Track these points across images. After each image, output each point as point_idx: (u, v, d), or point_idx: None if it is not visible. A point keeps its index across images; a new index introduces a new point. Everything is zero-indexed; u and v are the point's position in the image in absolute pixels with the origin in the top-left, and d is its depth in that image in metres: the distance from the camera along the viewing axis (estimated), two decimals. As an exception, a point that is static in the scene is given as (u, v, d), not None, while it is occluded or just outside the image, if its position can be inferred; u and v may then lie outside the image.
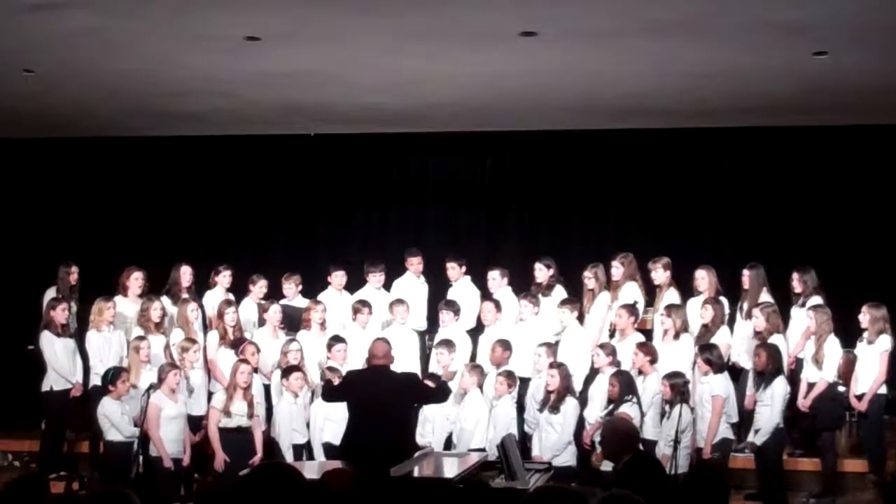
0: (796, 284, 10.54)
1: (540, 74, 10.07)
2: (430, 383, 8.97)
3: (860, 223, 12.27)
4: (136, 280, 11.00)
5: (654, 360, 9.72)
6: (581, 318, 10.62)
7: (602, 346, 10.03)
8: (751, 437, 9.66)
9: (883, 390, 9.85)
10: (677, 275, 10.82)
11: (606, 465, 8.43)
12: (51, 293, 11.08)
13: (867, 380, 9.83)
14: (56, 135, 13.04)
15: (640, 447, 7.52)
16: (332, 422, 9.66)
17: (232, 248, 13.13)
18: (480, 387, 9.98)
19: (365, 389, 8.56)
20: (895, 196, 12.17)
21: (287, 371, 9.97)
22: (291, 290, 11.43)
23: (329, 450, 9.69)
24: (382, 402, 8.33)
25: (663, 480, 7.05)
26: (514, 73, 10.03)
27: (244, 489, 4.04)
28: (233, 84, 10.54)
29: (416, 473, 7.99)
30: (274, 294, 11.41)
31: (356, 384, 8.75)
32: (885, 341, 9.79)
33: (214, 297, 11.20)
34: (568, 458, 9.49)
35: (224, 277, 11.34)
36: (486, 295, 11.12)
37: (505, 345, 10.23)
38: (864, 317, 9.89)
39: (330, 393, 8.94)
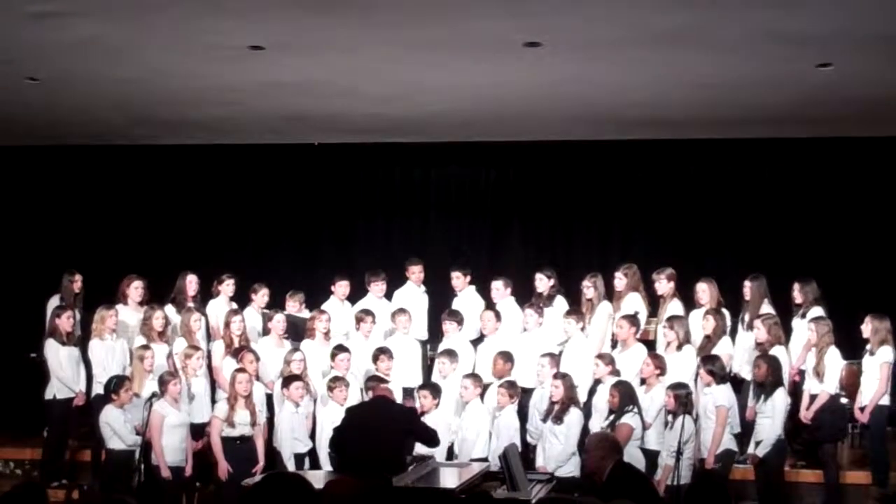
0: (797, 295, 10.53)
1: (543, 85, 10.09)
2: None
3: (862, 235, 12.27)
4: (136, 289, 10.98)
5: (662, 373, 9.73)
6: (583, 328, 10.61)
7: (601, 357, 10.02)
8: (752, 449, 9.64)
9: (886, 401, 9.83)
10: (680, 286, 10.82)
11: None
12: (54, 301, 11.07)
13: (870, 391, 9.81)
14: (60, 143, 13.05)
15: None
16: (338, 430, 9.67)
17: (235, 256, 13.12)
18: (481, 397, 9.98)
19: (365, 414, 8.72)
20: (897, 208, 12.20)
21: (287, 380, 9.97)
22: (296, 307, 11.44)
23: (334, 458, 9.67)
24: (381, 425, 8.39)
25: (649, 487, 7.12)
26: (517, 84, 10.04)
27: (253, 498, 4.04)
28: (236, 93, 10.55)
29: (418, 483, 7.99)
30: (276, 303, 11.41)
31: (357, 413, 8.90)
32: (885, 352, 9.77)
33: (218, 306, 11.21)
34: (572, 468, 9.47)
35: (227, 286, 11.34)
36: (489, 305, 11.12)
37: (506, 357, 10.22)
38: (867, 327, 9.88)
39: (337, 439, 8.85)
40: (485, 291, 11.37)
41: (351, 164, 13.51)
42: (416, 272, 11.68)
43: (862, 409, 9.84)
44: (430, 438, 8.79)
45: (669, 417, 9.36)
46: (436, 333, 11.33)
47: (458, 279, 11.45)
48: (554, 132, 12.25)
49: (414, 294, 11.65)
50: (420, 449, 9.02)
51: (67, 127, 12.21)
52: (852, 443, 10.65)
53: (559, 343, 10.56)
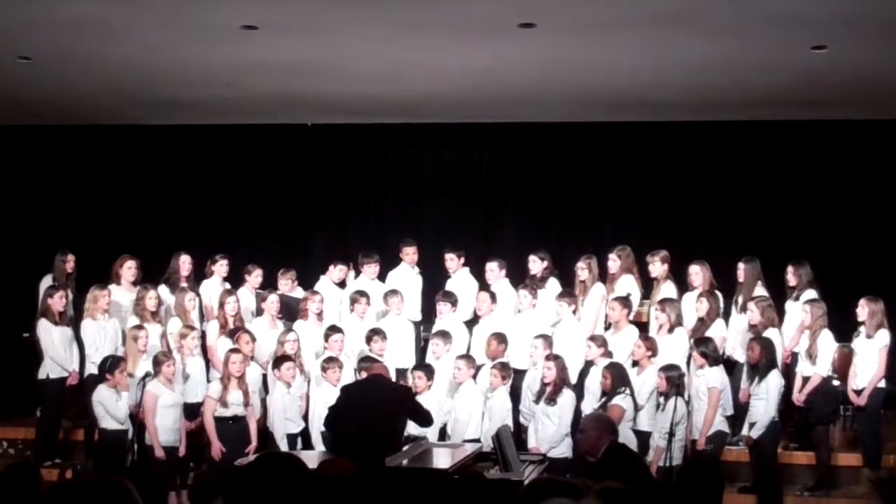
0: (791, 278, 10.54)
1: (538, 66, 10.07)
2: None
3: (856, 217, 12.28)
4: (128, 269, 10.98)
5: (653, 354, 9.75)
6: (576, 310, 10.61)
7: (593, 338, 10.03)
8: (746, 431, 9.67)
9: (881, 384, 9.85)
10: (674, 268, 10.82)
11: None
12: (47, 281, 11.05)
13: (866, 374, 9.82)
14: (53, 122, 13.01)
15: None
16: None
17: (228, 237, 13.11)
18: (474, 378, 10.00)
19: (362, 393, 8.69)
20: (891, 191, 12.19)
21: (278, 361, 9.98)
22: (287, 285, 11.44)
23: (327, 438, 9.70)
24: (377, 403, 8.41)
25: (643, 468, 7.16)
26: (512, 65, 10.02)
27: (248, 478, 4.04)
28: (230, 73, 10.52)
29: (411, 464, 8.00)
30: (269, 284, 11.41)
31: (353, 391, 8.89)
32: (883, 336, 9.78)
33: (211, 286, 11.21)
34: (564, 449, 9.50)
35: (221, 266, 11.34)
36: (483, 286, 11.12)
37: (500, 338, 10.23)
38: (863, 310, 9.87)
39: (333, 416, 8.85)
40: (478, 273, 11.38)
41: (344, 144, 13.48)
42: (409, 253, 11.67)
43: (858, 392, 9.84)
44: (425, 419, 8.82)
45: (661, 399, 9.39)
46: (430, 315, 11.33)
47: (452, 261, 11.45)
48: (548, 114, 12.23)
49: (408, 275, 11.65)
50: (412, 429, 9.04)
51: (60, 107, 12.16)
52: (844, 425, 10.68)
53: (552, 324, 10.56)
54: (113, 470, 8.84)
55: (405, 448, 8.39)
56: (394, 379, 10.05)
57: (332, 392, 9.73)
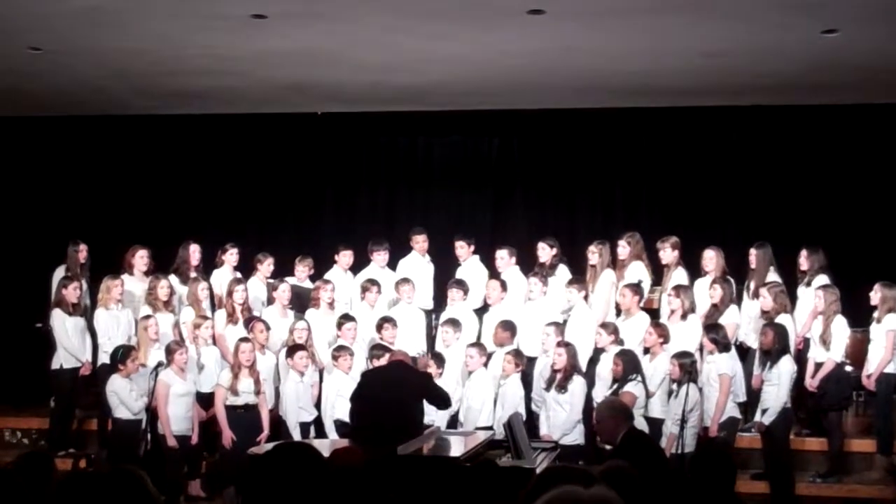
0: (804, 262, 10.51)
1: (547, 53, 10.03)
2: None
3: (868, 203, 12.22)
4: (141, 258, 11.02)
5: (665, 341, 9.73)
6: (586, 297, 10.60)
7: (604, 326, 10.03)
8: (758, 417, 9.66)
9: (892, 369, 9.83)
10: (684, 254, 10.81)
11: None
12: (60, 272, 11.08)
13: (878, 359, 9.81)
14: (63, 113, 13.02)
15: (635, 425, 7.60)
16: (343, 398, 9.62)
17: (239, 226, 13.11)
18: (485, 366, 10.00)
19: (383, 380, 8.72)
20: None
21: (292, 350, 10.00)
22: (304, 272, 11.43)
23: (340, 426, 9.72)
24: (399, 389, 8.43)
25: (659, 454, 7.15)
26: (521, 52, 9.99)
27: (264, 467, 4.05)
28: (239, 62, 10.51)
29: (423, 452, 8.02)
30: (281, 273, 11.42)
31: (375, 377, 8.94)
32: (892, 320, 9.76)
33: (222, 276, 11.23)
34: (576, 436, 9.52)
35: (231, 256, 11.36)
36: (493, 274, 11.12)
37: (506, 325, 10.23)
38: (876, 294, 9.86)
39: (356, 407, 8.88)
40: (488, 261, 11.37)
41: (354, 133, 13.45)
42: (420, 241, 11.68)
43: (870, 377, 9.83)
44: (444, 401, 8.85)
45: (674, 386, 9.38)
46: (442, 303, 11.34)
47: (463, 248, 11.45)
48: (557, 100, 12.19)
49: (419, 264, 11.65)
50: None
51: (70, 97, 12.17)
52: (857, 411, 10.66)
53: (563, 311, 10.56)
54: (126, 459, 8.86)
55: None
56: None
57: (344, 380, 9.76)
